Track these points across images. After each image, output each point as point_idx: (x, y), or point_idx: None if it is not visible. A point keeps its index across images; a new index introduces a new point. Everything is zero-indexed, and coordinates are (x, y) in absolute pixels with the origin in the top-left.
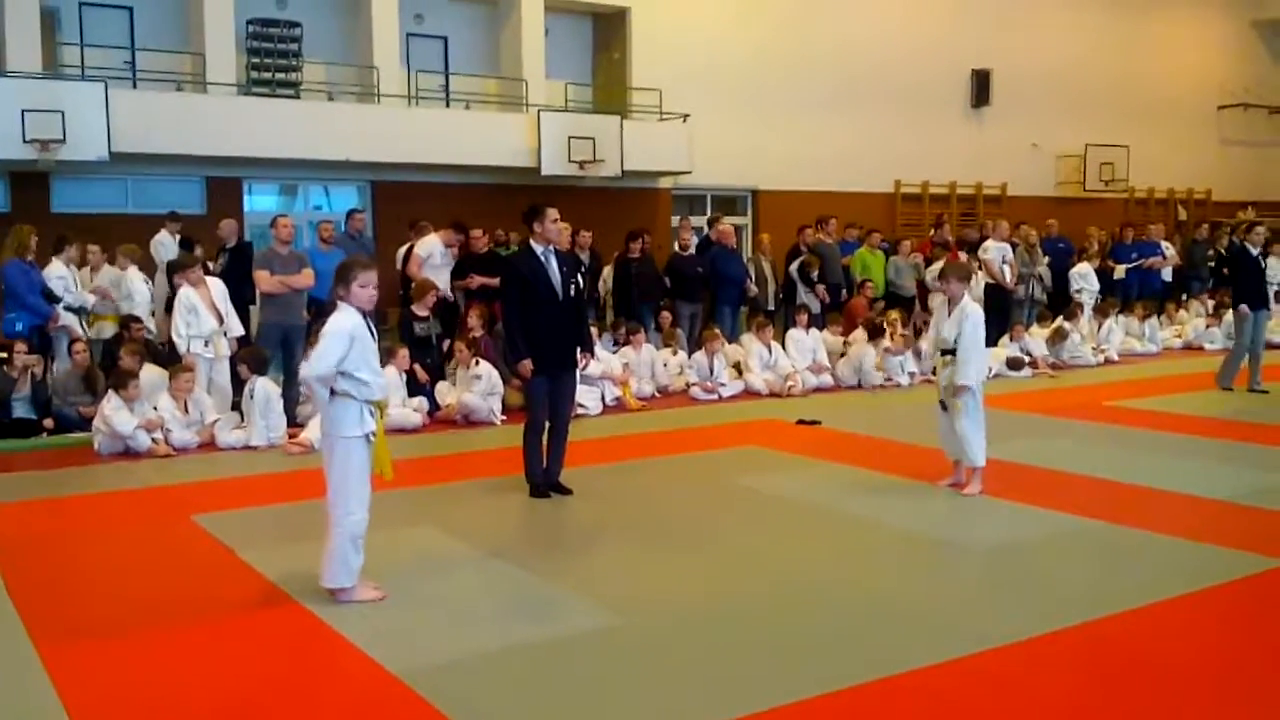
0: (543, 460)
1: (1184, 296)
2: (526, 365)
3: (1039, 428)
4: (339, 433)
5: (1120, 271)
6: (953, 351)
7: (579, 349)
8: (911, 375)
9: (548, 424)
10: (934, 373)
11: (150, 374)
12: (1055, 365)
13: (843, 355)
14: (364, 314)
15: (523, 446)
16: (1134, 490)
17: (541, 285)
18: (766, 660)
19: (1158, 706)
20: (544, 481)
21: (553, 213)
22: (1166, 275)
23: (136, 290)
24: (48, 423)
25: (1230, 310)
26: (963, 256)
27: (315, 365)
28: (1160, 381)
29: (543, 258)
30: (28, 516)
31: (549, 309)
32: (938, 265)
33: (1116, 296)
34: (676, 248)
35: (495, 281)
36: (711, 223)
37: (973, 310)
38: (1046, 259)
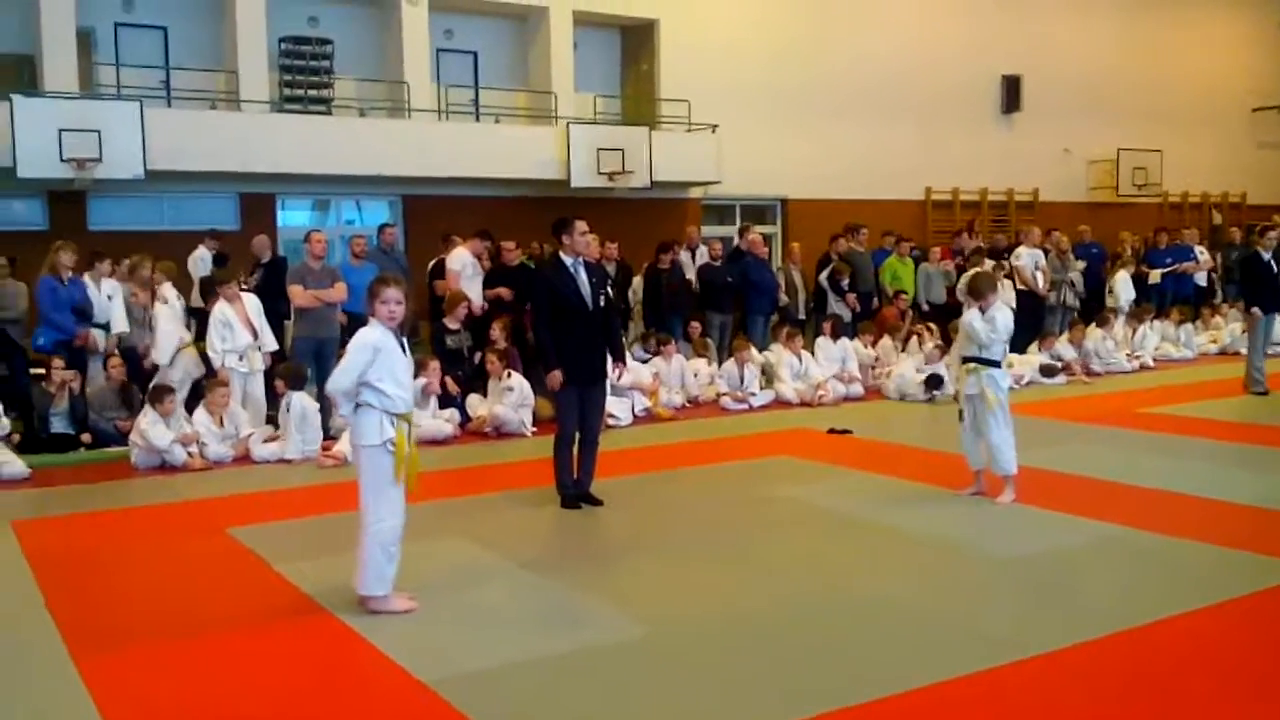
0: (573, 471)
1: (1218, 301)
2: (556, 376)
3: (1074, 435)
4: (360, 441)
5: (1155, 276)
6: (976, 359)
7: (611, 359)
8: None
9: (578, 435)
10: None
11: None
12: (1089, 371)
13: (874, 368)
14: (395, 328)
15: (553, 458)
16: (1169, 497)
17: (571, 296)
18: (793, 671)
19: (1189, 717)
20: (575, 492)
21: (581, 225)
22: (1201, 280)
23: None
24: (85, 437)
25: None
26: (987, 264)
27: (338, 379)
28: (1195, 387)
29: (572, 269)
30: (66, 530)
31: (579, 320)
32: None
33: (1151, 302)
34: (704, 256)
35: (507, 293)
36: (742, 232)
37: (1002, 309)
38: (1081, 264)
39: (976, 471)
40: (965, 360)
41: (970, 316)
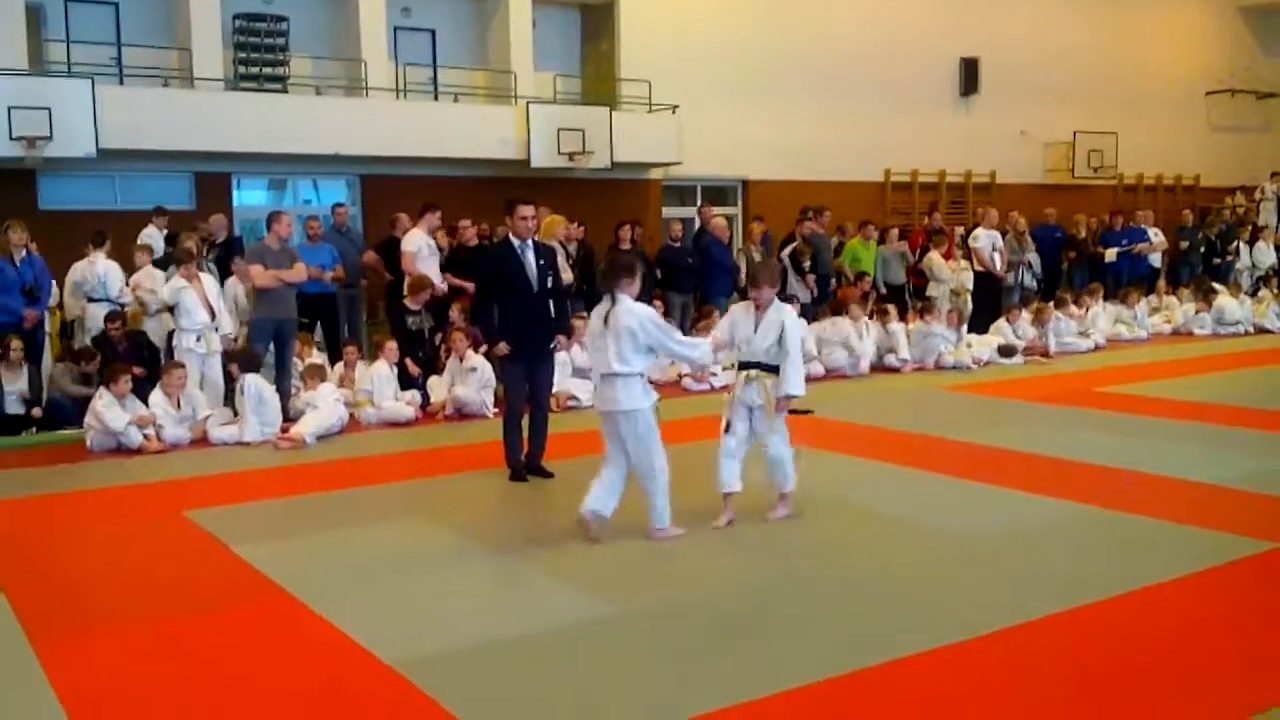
0: (522, 445)
1: (1177, 283)
2: (502, 346)
3: (1032, 415)
4: (635, 405)
5: (1111, 255)
6: (758, 365)
7: (556, 334)
8: (904, 362)
9: (527, 410)
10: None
11: None
12: (1044, 352)
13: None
14: None
15: (503, 435)
16: (1127, 475)
17: (515, 276)
18: (757, 648)
19: (1149, 689)
20: (525, 465)
21: (524, 209)
22: (1155, 261)
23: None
24: (36, 411)
25: (1219, 296)
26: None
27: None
28: (1151, 367)
29: (519, 250)
30: (20, 513)
31: (524, 299)
32: (931, 255)
33: (1109, 280)
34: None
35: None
36: (699, 213)
37: (789, 311)
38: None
39: (727, 495)
40: (745, 366)
41: (790, 314)
